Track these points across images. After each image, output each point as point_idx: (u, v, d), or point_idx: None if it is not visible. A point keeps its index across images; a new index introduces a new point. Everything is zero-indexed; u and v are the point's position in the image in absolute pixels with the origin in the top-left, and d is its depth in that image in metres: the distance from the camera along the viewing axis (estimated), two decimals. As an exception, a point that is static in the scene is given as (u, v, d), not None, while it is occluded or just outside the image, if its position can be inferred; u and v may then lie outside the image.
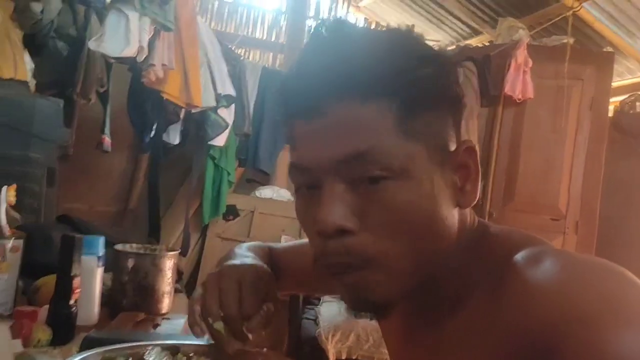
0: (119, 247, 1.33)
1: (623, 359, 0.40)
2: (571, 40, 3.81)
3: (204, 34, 2.76)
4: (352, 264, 0.54)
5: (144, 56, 2.07)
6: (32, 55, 3.14)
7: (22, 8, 2.78)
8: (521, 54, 3.74)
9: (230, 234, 3.94)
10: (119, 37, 1.94)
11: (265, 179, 4.22)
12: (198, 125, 2.98)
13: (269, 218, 3.98)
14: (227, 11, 4.53)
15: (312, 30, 0.59)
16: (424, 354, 0.61)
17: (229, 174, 3.79)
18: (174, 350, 0.89)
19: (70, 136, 3.00)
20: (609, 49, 3.96)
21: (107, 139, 3.14)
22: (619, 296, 0.45)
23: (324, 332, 2.97)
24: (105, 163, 3.91)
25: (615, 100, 4.14)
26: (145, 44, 2.01)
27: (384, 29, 0.61)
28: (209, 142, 3.05)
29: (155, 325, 1.17)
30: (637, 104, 4.07)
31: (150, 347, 0.87)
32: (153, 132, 2.74)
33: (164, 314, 1.28)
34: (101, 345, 0.91)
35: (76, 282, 1.06)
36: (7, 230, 1.20)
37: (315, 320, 3.13)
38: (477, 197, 0.58)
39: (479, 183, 0.57)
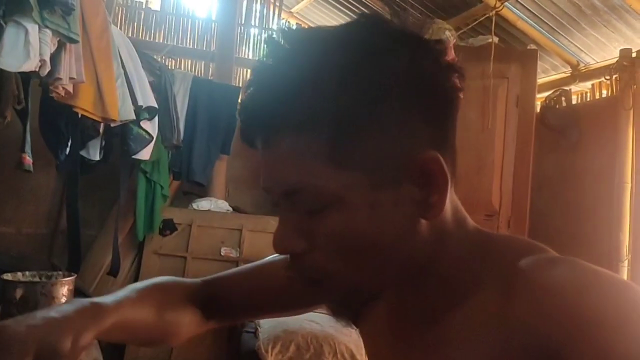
0: (7, 276, 1.24)
1: None
2: (496, 40, 3.90)
3: (120, 45, 2.66)
4: (311, 279, 0.57)
5: (47, 70, 1.96)
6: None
7: None
8: (449, 55, 3.79)
9: (168, 249, 3.83)
10: (18, 51, 1.83)
11: (202, 190, 4.13)
12: (121, 139, 2.88)
13: (207, 230, 3.90)
14: (155, 20, 4.42)
15: (262, 48, 0.57)
16: (419, 353, 0.60)
17: (162, 187, 3.69)
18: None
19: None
20: (533, 46, 4.07)
21: (27, 158, 2.98)
22: (629, 302, 0.47)
23: (263, 345, 2.92)
24: (31, 183, 3.74)
25: (541, 97, 4.27)
26: (47, 57, 1.91)
27: (339, 27, 0.56)
28: (133, 157, 2.94)
29: (42, 360, 1.09)
30: (562, 99, 4.20)
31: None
32: (68, 149, 2.62)
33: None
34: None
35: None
36: None
37: (255, 333, 3.07)
38: (444, 208, 0.55)
39: (446, 193, 0.54)
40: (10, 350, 0.54)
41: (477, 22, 4.06)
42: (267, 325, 3.04)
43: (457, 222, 0.59)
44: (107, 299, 0.69)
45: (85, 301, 0.66)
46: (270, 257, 0.85)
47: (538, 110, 4.14)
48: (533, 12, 3.91)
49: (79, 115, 2.45)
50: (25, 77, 2.74)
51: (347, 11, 5.12)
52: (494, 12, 3.86)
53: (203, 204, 3.97)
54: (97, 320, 0.64)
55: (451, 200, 0.58)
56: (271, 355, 2.89)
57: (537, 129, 3.92)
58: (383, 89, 0.51)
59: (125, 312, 0.70)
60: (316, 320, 2.99)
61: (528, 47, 4.11)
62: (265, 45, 0.56)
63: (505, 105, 3.86)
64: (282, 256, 0.78)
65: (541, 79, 4.35)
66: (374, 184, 0.53)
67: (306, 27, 5.49)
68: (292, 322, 3.00)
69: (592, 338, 0.44)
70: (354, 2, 4.91)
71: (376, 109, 0.52)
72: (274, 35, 0.55)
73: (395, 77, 0.52)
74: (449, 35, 3.95)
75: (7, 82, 2.79)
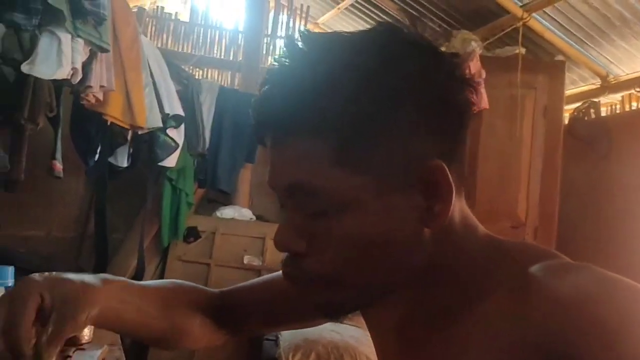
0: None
1: None
2: (523, 51, 3.87)
3: (149, 54, 2.72)
4: (303, 282, 0.58)
5: (79, 78, 2.02)
6: (-22, 81, 3.09)
7: (-38, 34, 2.73)
8: (474, 66, 3.79)
9: (191, 256, 3.87)
10: (51, 59, 1.90)
11: (227, 198, 4.17)
12: (148, 146, 2.93)
13: (231, 238, 3.93)
14: (183, 31, 4.51)
15: (280, 50, 0.59)
16: (425, 356, 0.60)
17: (187, 195, 3.74)
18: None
19: (16, 161, 2.93)
20: (561, 57, 4.03)
21: (57, 165, 3.06)
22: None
23: (284, 353, 2.92)
24: (61, 188, 3.83)
25: (569, 108, 4.21)
26: (78, 66, 1.97)
27: (360, 34, 0.57)
28: (159, 164, 2.99)
29: (66, 357, 1.12)
30: (591, 110, 4.14)
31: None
32: (97, 156, 2.69)
33: (82, 344, 1.23)
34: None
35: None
36: None
37: (276, 341, 3.08)
38: (447, 218, 0.55)
39: (450, 202, 0.54)
40: (21, 294, 0.60)
41: (504, 32, 4.03)
42: (288, 334, 3.05)
43: (466, 229, 0.59)
44: (121, 280, 0.73)
45: (107, 278, 0.69)
46: None
47: (566, 121, 4.09)
48: (561, 24, 3.87)
49: (108, 123, 2.51)
50: (57, 86, 2.83)
51: (371, 22, 5.14)
52: (521, 23, 3.83)
53: (227, 212, 4.01)
54: (105, 299, 0.67)
55: (460, 209, 0.59)
56: (292, 363, 2.89)
57: (565, 139, 3.87)
58: (394, 97, 0.52)
59: (132, 295, 0.74)
60: (337, 330, 2.98)
61: (556, 59, 4.06)
62: (284, 46, 0.57)
63: (533, 116, 3.82)
64: None
65: (569, 90, 4.29)
66: (379, 191, 0.53)
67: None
68: (312, 331, 3.00)
69: (607, 348, 0.44)
70: (379, 14, 4.93)
71: (386, 117, 0.52)
72: (293, 38, 0.56)
73: (407, 87, 0.52)
74: (475, 46, 3.93)
75: (40, 90, 2.87)
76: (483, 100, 3.81)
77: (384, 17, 4.97)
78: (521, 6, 3.82)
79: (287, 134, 0.54)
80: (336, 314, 0.61)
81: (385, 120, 0.52)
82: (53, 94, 2.97)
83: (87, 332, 1.27)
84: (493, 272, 0.56)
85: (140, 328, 0.76)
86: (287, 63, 0.55)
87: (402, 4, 4.59)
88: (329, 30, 5.74)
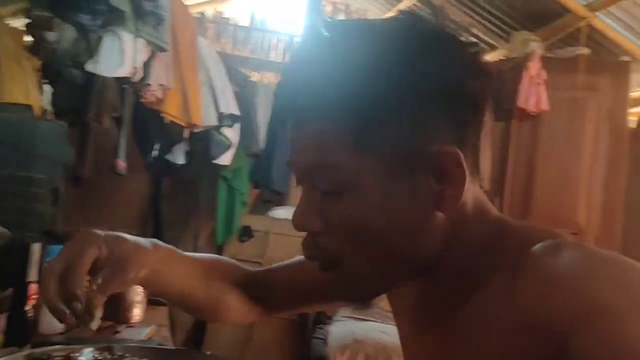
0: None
1: (634, 351, 0.41)
2: (586, 51, 3.73)
3: (207, 56, 2.82)
4: (324, 262, 0.58)
5: (139, 77, 2.12)
6: (50, 83, 3.29)
7: (37, 38, 2.92)
8: (534, 67, 3.69)
9: (245, 255, 3.95)
10: (114, 58, 2.00)
11: (280, 199, 4.23)
12: (204, 145, 3.03)
13: (283, 238, 3.99)
14: (242, 35, 4.63)
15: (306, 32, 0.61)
16: (435, 341, 0.62)
17: (242, 194, 3.82)
18: (108, 350, 0.89)
19: (83, 159, 3.09)
20: (626, 58, 3.85)
21: (121, 163, 3.21)
22: (634, 289, 0.46)
23: (332, 352, 2.93)
24: (123, 186, 4.00)
25: (635, 111, 4.02)
26: (139, 65, 2.07)
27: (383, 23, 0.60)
28: (214, 161, 3.08)
29: (115, 333, 1.18)
30: (660, 114, 3.94)
31: (81, 349, 0.88)
32: (156, 152, 2.80)
33: (132, 324, 1.29)
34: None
35: (31, 288, 1.08)
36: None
37: (325, 340, 3.10)
38: (459, 203, 0.56)
39: (462, 188, 0.55)
40: (83, 244, 0.64)
41: (566, 32, 3.90)
42: (337, 333, 3.06)
43: (478, 213, 0.59)
44: (169, 247, 0.77)
45: (157, 242, 0.74)
46: None
47: (632, 125, 3.90)
48: (626, 23, 3.71)
49: (166, 121, 2.61)
50: (121, 87, 2.98)
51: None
52: (584, 22, 3.70)
53: (280, 213, 4.07)
54: (155, 262, 0.71)
55: (473, 195, 0.59)
56: (340, 362, 2.90)
57: (632, 144, 3.69)
58: (412, 84, 0.53)
59: (179, 262, 0.77)
60: (385, 331, 2.97)
61: (620, 59, 3.89)
62: (307, 32, 0.60)
63: (596, 119, 3.67)
64: None
65: (635, 93, 4.09)
66: (394, 174, 0.54)
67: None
68: (361, 331, 3.00)
69: (597, 323, 0.44)
70: (437, 16, 4.89)
71: (404, 103, 0.53)
72: (317, 23, 0.58)
73: (425, 75, 0.53)
74: (535, 46, 3.83)
75: (105, 92, 3.03)
76: (543, 102, 3.70)
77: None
78: (585, 5, 3.69)
79: (307, 115, 0.56)
80: (358, 297, 0.62)
81: (402, 106, 0.53)
82: (118, 95, 3.13)
83: (137, 312, 1.33)
84: (497, 256, 0.57)
85: (182, 295, 0.79)
86: (308, 48, 0.58)
87: (460, 6, 4.53)
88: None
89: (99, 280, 0.64)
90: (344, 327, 3.10)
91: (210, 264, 0.85)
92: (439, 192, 0.55)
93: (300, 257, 0.91)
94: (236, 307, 0.86)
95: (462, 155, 0.54)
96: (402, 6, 5.02)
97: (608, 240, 3.57)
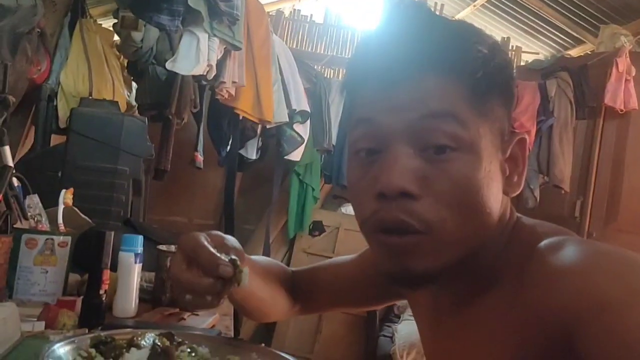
0: (161, 247, 1.43)
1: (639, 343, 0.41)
2: (682, 45, 3.46)
3: (280, 53, 2.87)
4: (411, 227, 0.54)
5: (213, 74, 2.20)
6: (135, 80, 3.49)
7: (124, 38, 3.10)
8: (623, 62, 3.47)
9: (315, 249, 4.00)
10: (191, 57, 2.09)
11: (352, 195, 4.24)
12: (276, 140, 3.09)
13: (354, 234, 4.00)
14: (317, 32, 4.67)
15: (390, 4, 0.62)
16: (445, 338, 0.64)
17: (313, 189, 3.87)
18: (169, 336, 0.94)
19: (164, 152, 3.25)
20: None
21: (199, 156, 3.35)
22: (638, 282, 0.46)
23: (399, 350, 2.92)
24: (201, 179, 4.17)
25: None
26: (213, 63, 2.15)
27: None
28: (285, 157, 3.14)
29: (180, 320, 1.24)
30: None
31: (146, 333, 0.93)
32: (229, 147, 2.89)
33: (197, 312, 1.34)
34: (114, 331, 0.98)
35: (105, 274, 1.15)
36: (61, 228, 1.33)
37: (392, 338, 3.08)
38: (521, 189, 0.60)
39: (524, 176, 0.60)
40: (191, 236, 0.63)
41: (660, 25, 3.63)
42: (404, 332, 3.03)
43: (506, 211, 0.62)
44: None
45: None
46: (350, 255, 0.92)
47: None
48: None
49: (240, 117, 2.69)
50: (200, 84, 3.10)
51: (509, 18, 4.91)
52: (681, 13, 3.43)
53: (351, 209, 4.07)
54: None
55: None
56: (406, 361, 2.88)
57: None
58: (510, 69, 0.59)
59: (255, 266, 0.78)
60: (454, 332, 2.91)
61: None
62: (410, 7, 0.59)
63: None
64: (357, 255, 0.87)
65: None
66: (493, 143, 0.57)
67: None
68: (429, 331, 2.96)
69: (602, 316, 0.43)
70: (519, 9, 4.69)
71: (504, 81, 0.58)
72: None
73: (507, 65, 0.59)
74: (625, 41, 3.60)
75: (186, 89, 3.17)
76: (632, 99, 3.47)
77: (523, 12, 4.72)
78: (682, -5, 3.42)
79: (422, 69, 0.55)
80: (413, 278, 0.57)
81: (503, 83, 0.58)
82: (197, 91, 3.26)
83: (202, 301, 1.38)
84: (509, 254, 0.58)
85: (250, 296, 0.80)
86: (419, 12, 0.59)
87: (544, -1, 4.33)
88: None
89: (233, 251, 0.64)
90: (412, 326, 3.06)
91: (268, 267, 0.89)
92: (508, 176, 0.60)
93: (335, 260, 0.94)
94: (282, 307, 0.89)
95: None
96: (480, 1, 4.87)
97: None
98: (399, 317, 3.33)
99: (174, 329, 1.00)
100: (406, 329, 3.04)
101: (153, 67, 3.26)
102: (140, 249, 1.30)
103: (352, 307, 0.96)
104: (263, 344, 0.88)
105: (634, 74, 3.46)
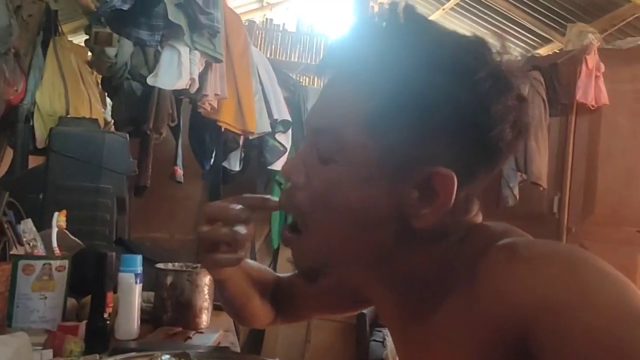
0: (159, 265, 1.41)
1: (592, 347, 0.42)
2: (647, 41, 3.57)
3: (258, 63, 2.87)
4: (294, 224, 0.62)
5: (196, 88, 2.19)
6: (110, 96, 3.43)
7: (97, 54, 3.05)
8: (592, 59, 3.56)
9: (300, 258, 3.99)
10: (172, 71, 2.07)
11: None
12: (258, 151, 3.08)
13: (338, 241, 4.00)
14: (290, 41, 4.69)
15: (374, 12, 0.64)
16: (415, 349, 0.64)
17: (295, 198, 3.86)
18: (184, 356, 0.93)
19: (144, 168, 3.20)
20: (692, 46, 3.66)
21: (179, 170, 3.32)
22: (590, 286, 0.46)
23: (391, 355, 2.92)
24: (181, 194, 4.12)
25: None
26: (195, 76, 2.13)
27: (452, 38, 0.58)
28: (269, 167, 3.13)
29: (187, 339, 1.22)
30: None
31: (160, 355, 0.92)
32: (213, 160, 2.87)
33: (201, 329, 1.33)
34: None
35: (109, 296, 1.13)
36: (57, 251, 1.30)
37: (383, 343, 3.08)
38: (430, 225, 0.56)
39: (439, 212, 0.55)
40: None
41: (624, 22, 3.75)
42: (395, 336, 3.04)
43: (454, 226, 0.59)
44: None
45: None
46: None
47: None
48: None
49: (222, 129, 2.67)
50: (178, 97, 3.07)
51: (479, 20, 5.00)
52: (644, 10, 3.55)
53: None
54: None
55: (458, 212, 0.58)
56: (398, 365, 2.88)
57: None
58: (439, 99, 0.52)
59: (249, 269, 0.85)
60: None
61: (686, 47, 3.70)
62: (374, 14, 0.60)
63: (660, 111, 3.51)
64: None
65: None
66: (388, 170, 0.55)
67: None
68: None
69: (551, 320, 0.44)
70: (488, 12, 4.79)
71: (424, 110, 0.53)
72: (389, 11, 0.58)
73: (453, 97, 0.52)
74: (592, 39, 3.70)
75: (163, 103, 3.13)
76: (602, 95, 3.57)
77: (492, 14, 4.82)
78: (644, -7, 3.55)
79: (339, 79, 0.59)
80: (306, 267, 0.64)
81: (421, 111, 0.53)
82: (174, 105, 3.23)
83: (205, 318, 1.37)
84: (458, 263, 0.58)
85: (237, 299, 0.85)
86: (366, 26, 0.59)
87: (513, 1, 4.43)
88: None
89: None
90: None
91: (254, 273, 0.90)
92: (416, 206, 0.55)
93: None
94: (263, 315, 0.91)
95: (456, 182, 0.54)
96: (450, 4, 4.95)
97: (678, 237, 3.41)
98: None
99: (184, 349, 0.99)
100: (397, 333, 3.05)
101: (128, 82, 3.21)
102: (140, 269, 1.28)
103: (331, 313, 0.98)
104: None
105: (603, 70, 3.55)
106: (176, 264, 1.46)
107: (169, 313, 1.35)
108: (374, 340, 3.16)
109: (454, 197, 0.54)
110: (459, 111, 0.53)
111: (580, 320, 0.43)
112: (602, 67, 3.56)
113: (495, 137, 0.54)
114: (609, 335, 0.42)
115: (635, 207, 3.48)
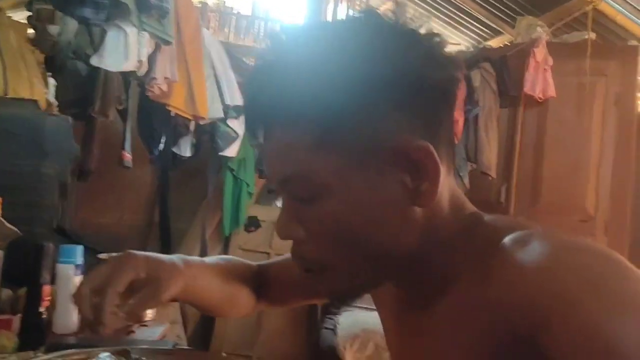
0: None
1: (605, 341, 0.41)
2: (593, 36, 3.69)
3: (211, 47, 2.79)
4: (311, 269, 0.59)
5: (144, 70, 2.11)
6: (54, 76, 3.28)
7: (39, 31, 2.90)
8: (540, 52, 3.65)
9: (252, 245, 3.95)
10: (119, 52, 1.99)
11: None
12: (210, 137, 3.02)
13: (290, 228, 3.99)
14: (245, 25, 4.60)
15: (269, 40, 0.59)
16: (414, 339, 0.63)
17: (248, 185, 3.81)
18: (124, 354, 0.88)
19: (88, 152, 3.08)
20: (634, 42, 3.81)
21: (127, 155, 3.20)
22: (604, 279, 0.46)
23: (342, 342, 2.94)
24: (130, 178, 3.99)
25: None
26: (144, 58, 2.05)
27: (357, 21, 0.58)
28: (221, 153, 3.07)
29: (129, 332, 1.18)
30: (669, 98, 3.90)
31: (99, 352, 0.88)
32: (162, 145, 2.79)
33: (145, 322, 1.28)
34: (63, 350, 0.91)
35: (46, 289, 1.07)
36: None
37: (334, 330, 3.10)
38: (436, 196, 0.55)
39: (437, 182, 0.55)
40: (123, 267, 0.67)
41: (572, 17, 3.86)
42: (346, 323, 3.06)
43: (453, 208, 0.59)
44: (195, 260, 0.80)
45: (185, 258, 0.77)
46: None
47: (640, 109, 3.86)
48: (634, 6, 3.66)
49: (172, 114, 2.60)
50: (126, 80, 2.96)
51: (432, 10, 5.04)
52: (591, 6, 3.66)
53: (287, 202, 4.06)
54: (187, 279, 0.73)
55: (449, 188, 0.59)
56: (349, 352, 2.91)
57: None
58: (372, 82, 0.52)
59: (205, 274, 0.80)
60: (395, 320, 2.97)
61: (629, 44, 3.85)
62: (269, 40, 0.58)
63: (603, 104, 3.65)
64: None
65: (644, 77, 4.05)
66: (364, 173, 0.54)
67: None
68: (371, 320, 3.00)
69: (565, 315, 0.44)
70: (439, 1, 4.83)
71: (364, 100, 0.53)
72: (278, 30, 0.58)
73: (384, 71, 0.53)
74: (541, 32, 3.80)
75: (110, 84, 3.01)
76: (549, 88, 3.67)
77: (444, 4, 4.86)
78: (591, -11, 3.65)
79: (270, 125, 0.57)
80: (342, 300, 0.63)
81: (363, 104, 0.53)
82: (122, 87, 3.11)
83: (150, 311, 1.32)
84: (469, 250, 0.57)
85: (206, 301, 0.82)
86: (269, 57, 0.56)
87: (464, -8, 4.48)
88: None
89: (132, 301, 0.67)
90: (354, 317, 3.10)
91: (226, 267, 0.87)
92: (414, 188, 0.55)
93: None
94: (245, 303, 0.89)
95: (432, 148, 0.54)
96: (406, -8, 4.96)
97: (618, 226, 3.57)
98: (340, 309, 3.36)
99: (126, 345, 0.95)
100: (348, 320, 3.07)
101: (73, 62, 3.06)
102: (80, 260, 1.22)
103: (319, 299, 0.96)
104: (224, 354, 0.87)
105: (550, 63, 3.65)
106: (150, 253, 1.40)
107: (112, 305, 1.30)
108: (326, 328, 3.18)
109: (438, 158, 0.54)
110: (384, 80, 0.53)
111: (593, 315, 0.43)
112: (550, 60, 3.66)
113: (424, 82, 0.54)
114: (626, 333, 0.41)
115: (579, 197, 3.62)
